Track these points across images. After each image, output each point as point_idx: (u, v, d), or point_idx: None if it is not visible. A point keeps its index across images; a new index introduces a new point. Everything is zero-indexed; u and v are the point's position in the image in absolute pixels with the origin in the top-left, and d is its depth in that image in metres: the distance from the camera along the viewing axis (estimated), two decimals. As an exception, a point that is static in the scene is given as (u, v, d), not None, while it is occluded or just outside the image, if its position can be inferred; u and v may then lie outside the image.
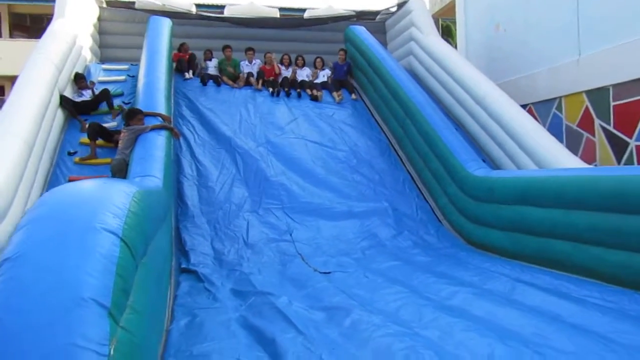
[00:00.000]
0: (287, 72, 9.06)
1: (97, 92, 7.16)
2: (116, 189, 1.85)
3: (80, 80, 7.17)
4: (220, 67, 8.92)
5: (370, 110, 8.78)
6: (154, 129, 5.27)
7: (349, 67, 9.56)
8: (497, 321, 2.98)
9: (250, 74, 8.88)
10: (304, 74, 9.14)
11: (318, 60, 9.51)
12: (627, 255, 3.69)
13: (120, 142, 5.37)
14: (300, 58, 9.43)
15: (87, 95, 7.03)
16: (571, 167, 5.15)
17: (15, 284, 1.29)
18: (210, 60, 9.07)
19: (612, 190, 3.83)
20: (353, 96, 8.95)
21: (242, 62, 9.02)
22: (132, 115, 5.42)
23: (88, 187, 1.83)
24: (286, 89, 8.62)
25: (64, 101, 6.57)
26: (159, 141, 4.90)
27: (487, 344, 2.61)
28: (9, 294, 1.27)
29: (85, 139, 6.38)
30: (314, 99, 8.53)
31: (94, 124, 6.21)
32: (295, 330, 2.84)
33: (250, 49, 9.27)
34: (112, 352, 1.25)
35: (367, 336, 2.77)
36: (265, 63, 9.05)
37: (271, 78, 8.80)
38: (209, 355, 2.42)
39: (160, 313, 2.55)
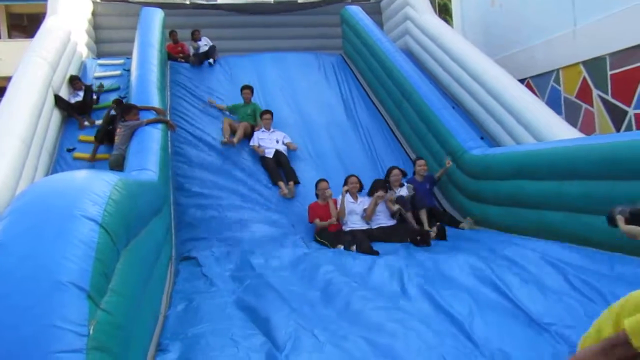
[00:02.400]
0: (356, 207, 5.59)
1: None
2: (97, 178, 1.91)
3: (75, 81, 7.27)
4: (237, 112, 7.26)
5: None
6: (149, 122, 5.30)
7: (433, 183, 6.32)
8: (484, 293, 3.05)
9: (269, 163, 6.42)
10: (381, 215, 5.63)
11: (395, 172, 5.93)
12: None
13: (116, 137, 5.43)
14: (382, 188, 5.66)
15: (81, 95, 7.07)
16: (563, 138, 5.16)
17: (-4, 271, 1.36)
18: (200, 40, 9.02)
19: (603, 157, 3.85)
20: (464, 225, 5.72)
21: (256, 133, 6.80)
22: (128, 110, 5.46)
23: (70, 177, 1.90)
24: (365, 248, 4.70)
25: (59, 101, 6.62)
26: (155, 134, 4.94)
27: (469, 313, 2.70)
28: None
29: (84, 136, 6.48)
30: (425, 242, 4.86)
31: (104, 127, 6.19)
32: (289, 308, 2.92)
33: (267, 112, 6.98)
34: (91, 332, 1.32)
35: (358, 309, 2.84)
36: (318, 195, 5.69)
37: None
38: (204, 336, 2.50)
39: (153, 299, 2.63)
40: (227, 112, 7.39)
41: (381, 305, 2.92)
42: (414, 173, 6.26)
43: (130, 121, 5.33)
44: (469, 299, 2.85)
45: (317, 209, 5.55)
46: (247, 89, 7.33)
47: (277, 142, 6.72)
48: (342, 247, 4.86)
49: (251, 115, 7.17)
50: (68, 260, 1.41)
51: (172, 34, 9.24)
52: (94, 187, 1.78)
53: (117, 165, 5.18)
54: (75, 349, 1.24)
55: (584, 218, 4.10)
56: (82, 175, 1.96)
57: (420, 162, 6.26)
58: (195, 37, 9.01)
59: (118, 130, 5.46)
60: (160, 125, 5.35)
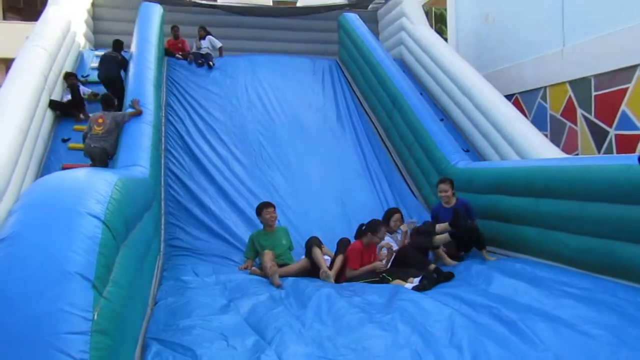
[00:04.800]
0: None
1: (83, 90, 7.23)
2: (99, 177, 2.08)
3: (69, 78, 7.18)
4: (255, 247, 4.88)
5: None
6: (132, 115, 5.39)
7: (467, 213, 5.13)
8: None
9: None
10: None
11: (397, 216, 5.24)
12: (586, 239, 3.96)
13: (99, 128, 5.35)
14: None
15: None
16: (541, 158, 5.40)
17: (10, 259, 1.53)
18: (204, 39, 9.10)
19: (575, 179, 4.08)
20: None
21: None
22: (112, 102, 5.61)
23: (74, 175, 2.07)
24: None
25: (53, 105, 6.64)
26: (146, 130, 5.07)
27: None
28: (6, 267, 1.52)
29: (79, 126, 6.59)
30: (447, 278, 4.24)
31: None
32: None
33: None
34: (95, 318, 1.49)
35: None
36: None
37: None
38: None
39: (144, 290, 2.80)
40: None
41: None
42: (443, 197, 5.26)
43: (114, 112, 5.41)
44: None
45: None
46: (270, 208, 4.98)
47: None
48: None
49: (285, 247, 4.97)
50: (75, 253, 1.59)
51: (174, 29, 9.32)
52: (97, 187, 1.96)
53: (101, 160, 5.23)
54: (82, 331, 1.42)
55: (556, 235, 4.33)
56: (84, 174, 2.14)
57: (442, 186, 5.21)
58: (200, 35, 9.07)
59: (100, 120, 5.41)
60: (151, 121, 5.44)
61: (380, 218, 5.14)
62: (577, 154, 7.32)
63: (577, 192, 4.07)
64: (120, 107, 6.11)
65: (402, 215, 5.29)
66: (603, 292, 3.32)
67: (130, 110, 5.51)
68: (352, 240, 4.70)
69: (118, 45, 7.43)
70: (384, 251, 4.69)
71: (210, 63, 8.69)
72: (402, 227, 4.99)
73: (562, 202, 4.24)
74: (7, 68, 6.03)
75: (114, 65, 7.08)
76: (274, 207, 5.01)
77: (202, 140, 6.98)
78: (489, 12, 9.83)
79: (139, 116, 5.42)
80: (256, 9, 11.07)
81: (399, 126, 7.53)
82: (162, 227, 5.31)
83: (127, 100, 5.70)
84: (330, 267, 4.44)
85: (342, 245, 4.59)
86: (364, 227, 4.70)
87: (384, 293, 3.62)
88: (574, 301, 3.20)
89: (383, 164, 7.40)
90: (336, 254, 4.57)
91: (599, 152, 7.03)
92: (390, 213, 5.26)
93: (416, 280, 4.02)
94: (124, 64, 7.04)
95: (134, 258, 2.32)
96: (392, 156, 7.73)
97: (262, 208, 4.93)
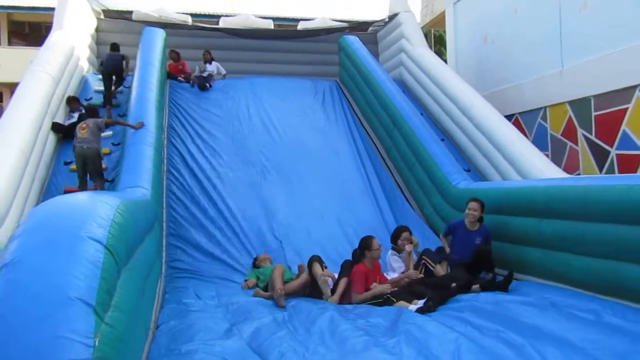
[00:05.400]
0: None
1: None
2: (101, 201, 2.08)
3: (72, 102, 7.31)
4: (257, 275, 5.09)
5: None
6: (110, 124, 6.05)
7: (487, 238, 5.04)
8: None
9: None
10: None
11: (405, 234, 5.07)
12: (590, 260, 3.93)
13: (83, 131, 5.68)
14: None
15: (76, 117, 7.12)
16: (542, 178, 5.40)
17: (12, 285, 1.52)
18: (210, 63, 9.22)
19: (576, 199, 4.07)
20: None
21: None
22: (94, 112, 6.12)
23: (76, 200, 2.07)
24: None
25: (56, 128, 6.73)
26: (147, 152, 5.09)
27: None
28: (7, 294, 1.51)
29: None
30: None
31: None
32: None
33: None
34: (97, 344, 1.47)
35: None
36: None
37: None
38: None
39: (146, 313, 2.77)
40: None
41: None
42: (467, 217, 5.05)
43: (95, 119, 5.84)
44: None
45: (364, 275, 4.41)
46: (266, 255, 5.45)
47: None
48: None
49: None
50: (77, 278, 1.58)
51: (172, 53, 9.42)
52: (99, 211, 1.95)
53: (94, 162, 5.56)
54: (83, 358, 1.41)
55: (560, 256, 4.30)
56: (86, 198, 2.13)
57: (473, 204, 4.99)
58: (205, 58, 9.20)
59: (84, 125, 5.75)
60: (154, 143, 5.47)
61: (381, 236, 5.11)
62: (579, 174, 7.33)
63: (579, 213, 4.05)
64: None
65: (411, 233, 5.12)
66: (611, 315, 3.28)
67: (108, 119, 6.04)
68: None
69: (116, 46, 8.26)
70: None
71: (210, 84, 8.80)
72: (406, 247, 4.92)
73: (565, 222, 4.22)
74: (12, 92, 6.11)
75: (119, 60, 8.03)
76: (270, 257, 5.45)
77: (204, 162, 7.00)
78: (488, 34, 9.97)
79: (140, 135, 5.49)
80: (258, 32, 11.22)
81: (400, 146, 7.56)
82: (164, 248, 5.28)
83: (131, 121, 5.81)
84: (334, 291, 4.39)
85: (346, 267, 4.54)
86: (358, 252, 4.61)
87: (387, 316, 3.56)
88: (583, 324, 3.16)
89: (385, 184, 7.40)
90: (340, 277, 4.52)
91: (600, 172, 7.04)
92: (398, 231, 5.17)
93: (420, 302, 3.97)
94: (125, 57, 8.12)
95: (136, 281, 2.30)
96: (393, 176, 7.73)
97: (261, 260, 5.34)
